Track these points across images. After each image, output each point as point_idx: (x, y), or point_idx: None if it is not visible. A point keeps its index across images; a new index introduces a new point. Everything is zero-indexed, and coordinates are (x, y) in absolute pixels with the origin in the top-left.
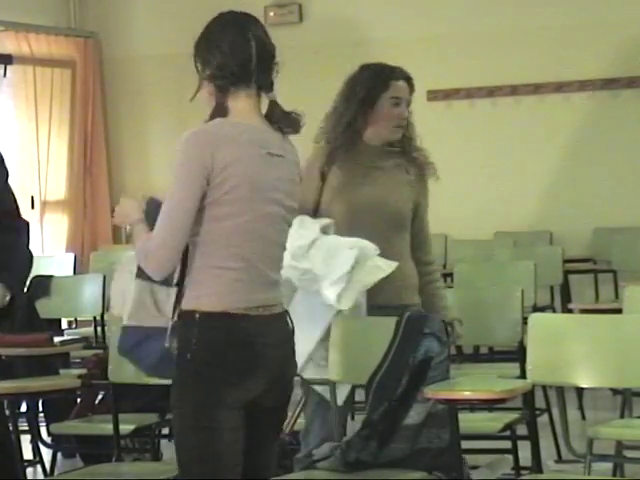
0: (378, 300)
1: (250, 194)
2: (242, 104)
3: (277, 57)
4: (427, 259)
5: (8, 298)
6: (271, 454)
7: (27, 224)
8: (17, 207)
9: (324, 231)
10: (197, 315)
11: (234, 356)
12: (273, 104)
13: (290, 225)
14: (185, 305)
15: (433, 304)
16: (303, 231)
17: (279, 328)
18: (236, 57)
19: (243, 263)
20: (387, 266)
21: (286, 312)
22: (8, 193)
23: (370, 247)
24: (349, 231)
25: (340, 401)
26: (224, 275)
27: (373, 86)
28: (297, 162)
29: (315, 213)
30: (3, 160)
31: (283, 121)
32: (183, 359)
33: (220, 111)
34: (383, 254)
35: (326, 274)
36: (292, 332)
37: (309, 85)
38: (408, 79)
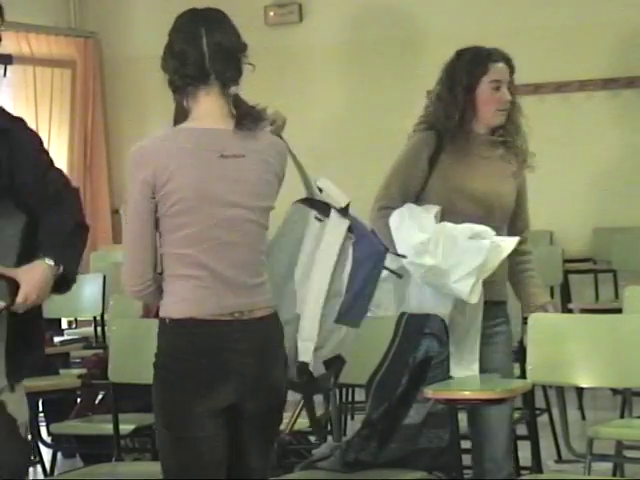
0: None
1: (200, 202)
2: (202, 104)
3: (241, 49)
4: (524, 248)
5: (60, 271)
6: (261, 458)
7: (75, 193)
8: (63, 180)
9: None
10: (167, 322)
11: (201, 365)
12: (235, 99)
13: (264, 226)
14: (160, 313)
15: (524, 290)
16: (417, 223)
17: (260, 332)
18: (188, 58)
19: (205, 271)
20: (508, 243)
21: (273, 315)
22: (45, 175)
23: (485, 230)
24: (456, 221)
25: None
26: (188, 283)
27: (472, 71)
28: (269, 159)
29: (416, 200)
30: (42, 143)
31: (248, 116)
32: (155, 367)
33: (180, 114)
34: None
35: (452, 267)
36: (280, 335)
37: (308, 85)
38: (507, 60)
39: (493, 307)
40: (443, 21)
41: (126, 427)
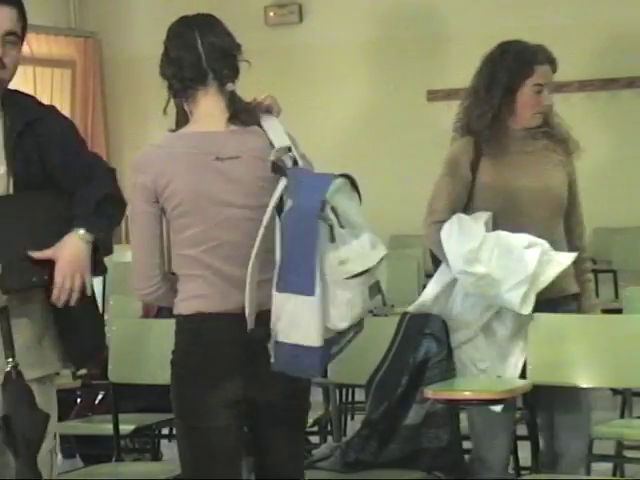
0: (546, 293)
1: (198, 204)
2: (201, 105)
3: (235, 47)
4: (578, 244)
5: (91, 240)
6: (285, 452)
7: (108, 173)
8: (97, 162)
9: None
10: (179, 319)
11: (210, 358)
12: (231, 96)
13: (267, 224)
14: (174, 311)
15: (585, 300)
16: (466, 231)
17: (269, 324)
18: (185, 61)
19: (208, 270)
20: (565, 258)
21: None
22: (76, 158)
23: (541, 242)
24: (510, 223)
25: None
26: (195, 281)
27: (516, 72)
28: (266, 156)
29: (466, 208)
30: (74, 128)
31: (244, 112)
32: (171, 364)
33: (181, 118)
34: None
35: (505, 277)
36: None
37: (308, 85)
38: (552, 61)
39: (561, 304)
40: (444, 21)
41: (126, 427)
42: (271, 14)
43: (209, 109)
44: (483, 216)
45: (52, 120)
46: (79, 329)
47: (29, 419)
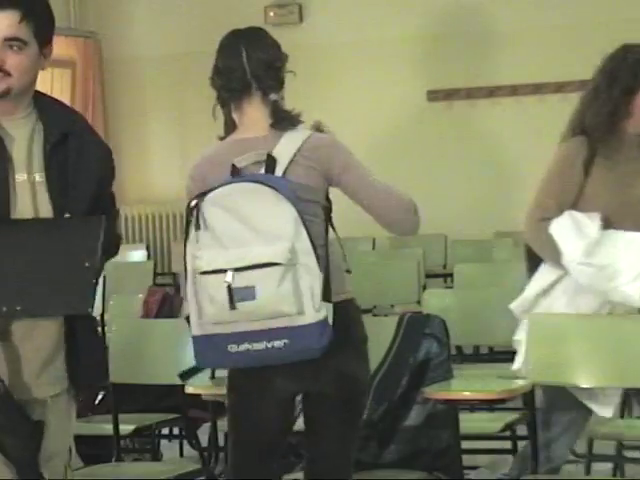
0: None
1: None
2: (246, 114)
3: (280, 59)
4: None
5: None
6: (334, 449)
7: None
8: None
9: None
10: None
11: None
12: (274, 105)
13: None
14: None
15: None
16: (582, 226)
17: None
18: (231, 73)
19: None
20: None
21: (346, 301)
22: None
23: None
24: (620, 228)
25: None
26: None
27: (638, 74)
28: (302, 158)
29: (574, 207)
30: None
31: (285, 119)
32: None
33: (229, 127)
34: None
35: (626, 268)
36: (348, 321)
37: (308, 85)
38: None
39: None
40: (445, 21)
41: (126, 427)
42: (271, 14)
43: (253, 117)
44: (595, 216)
45: (88, 139)
46: (83, 354)
47: (17, 435)
